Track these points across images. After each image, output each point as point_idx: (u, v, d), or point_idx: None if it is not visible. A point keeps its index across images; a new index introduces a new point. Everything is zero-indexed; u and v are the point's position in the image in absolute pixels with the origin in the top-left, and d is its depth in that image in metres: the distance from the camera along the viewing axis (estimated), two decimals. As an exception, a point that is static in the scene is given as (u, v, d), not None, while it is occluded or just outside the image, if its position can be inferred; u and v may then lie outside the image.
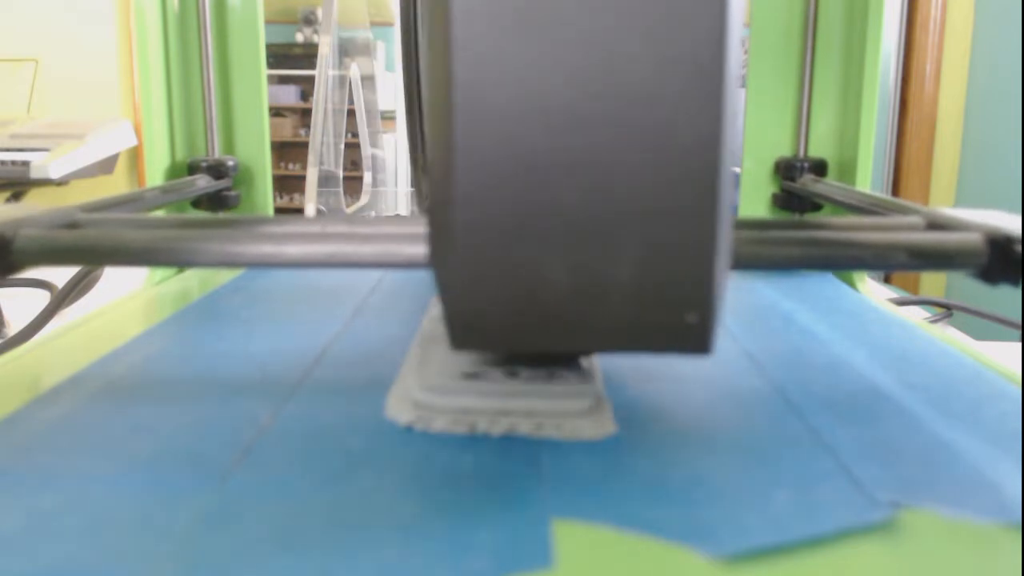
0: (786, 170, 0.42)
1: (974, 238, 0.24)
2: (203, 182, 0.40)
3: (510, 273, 0.16)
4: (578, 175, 0.15)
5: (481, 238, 0.15)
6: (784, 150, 0.43)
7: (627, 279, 0.16)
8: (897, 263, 0.24)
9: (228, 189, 0.42)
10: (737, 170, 0.42)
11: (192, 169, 0.42)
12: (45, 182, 1.61)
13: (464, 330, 0.16)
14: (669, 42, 0.14)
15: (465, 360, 0.20)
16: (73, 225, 0.25)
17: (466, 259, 0.16)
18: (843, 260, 0.24)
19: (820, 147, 0.42)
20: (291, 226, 0.23)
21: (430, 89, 0.16)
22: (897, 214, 0.28)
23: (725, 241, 0.16)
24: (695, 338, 0.16)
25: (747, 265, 0.23)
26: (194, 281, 0.37)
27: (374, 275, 0.36)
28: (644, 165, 0.15)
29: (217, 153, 0.43)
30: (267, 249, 0.22)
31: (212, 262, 0.23)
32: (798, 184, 0.41)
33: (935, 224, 0.26)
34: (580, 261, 0.16)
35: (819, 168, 0.41)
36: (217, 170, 0.41)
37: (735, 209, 0.44)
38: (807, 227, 0.25)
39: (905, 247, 0.24)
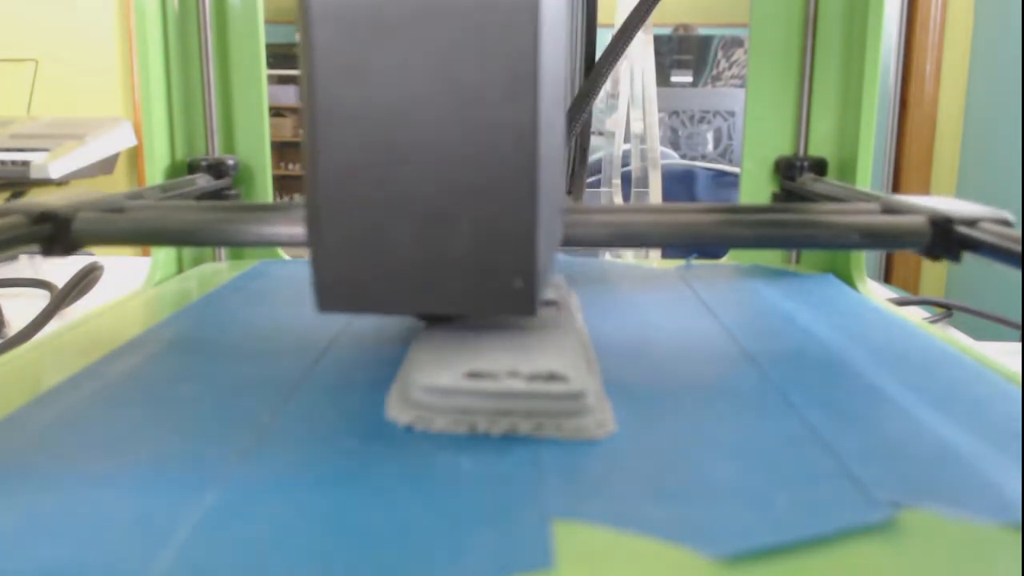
0: (786, 169, 0.42)
1: (919, 220, 0.28)
2: (203, 181, 0.40)
3: (365, 247, 0.19)
4: (420, 165, 0.18)
5: (340, 218, 0.19)
6: (784, 149, 0.43)
7: (463, 251, 0.19)
8: (850, 243, 0.28)
9: (228, 188, 0.42)
10: (736, 169, 0.42)
11: (192, 168, 0.42)
12: (45, 182, 1.61)
13: (328, 294, 0.19)
14: (492, 56, 0.18)
15: (466, 360, 0.20)
16: (119, 210, 0.28)
17: (328, 236, 0.19)
18: (801, 240, 0.28)
19: (820, 146, 0.42)
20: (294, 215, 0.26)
21: (301, 94, 0.19)
22: (861, 201, 0.31)
23: (548, 221, 0.20)
24: (521, 301, 0.19)
25: (715, 243, 0.27)
26: (194, 282, 0.37)
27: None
28: (474, 158, 0.18)
29: (217, 152, 0.43)
30: (299, 230, 0.26)
31: (248, 242, 0.27)
32: (797, 183, 0.41)
33: (889, 209, 0.29)
34: (423, 236, 0.19)
35: (819, 167, 0.41)
36: (217, 169, 0.41)
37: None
38: (772, 211, 0.29)
39: (858, 228, 0.28)
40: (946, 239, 0.27)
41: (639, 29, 0.35)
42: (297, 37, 0.19)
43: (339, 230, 0.19)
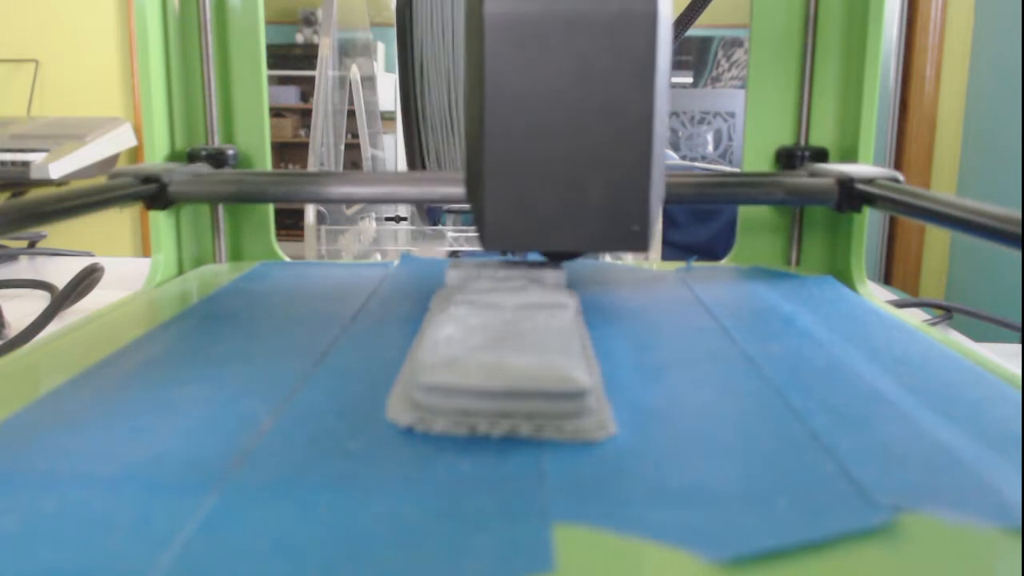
0: (787, 159, 0.42)
1: (829, 181, 0.36)
2: (203, 170, 0.40)
3: (521, 201, 0.25)
4: (563, 138, 0.24)
5: (502, 179, 0.25)
6: (785, 139, 0.43)
7: (595, 203, 0.25)
8: (774, 199, 0.37)
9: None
10: (735, 171, 0.42)
11: (192, 157, 0.42)
12: (45, 182, 1.61)
13: (492, 238, 0.25)
14: (621, 55, 0.24)
15: (466, 362, 0.20)
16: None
17: (492, 193, 0.25)
18: (736, 197, 0.38)
19: (821, 136, 0.42)
20: (361, 176, 0.37)
21: (468, 81, 0.26)
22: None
23: (657, 185, 0.25)
24: (639, 241, 0.25)
25: (673, 200, 0.36)
26: (194, 283, 0.37)
27: (375, 277, 0.36)
28: (605, 133, 0.24)
29: (217, 142, 0.43)
30: (348, 189, 0.36)
31: (308, 199, 0.38)
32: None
33: (814, 174, 0.38)
34: (565, 192, 0.25)
35: (820, 156, 0.42)
36: (217, 159, 0.41)
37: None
38: (720, 175, 0.38)
39: (783, 187, 0.37)
40: (849, 195, 0.35)
41: (683, 33, 0.38)
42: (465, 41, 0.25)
43: (501, 189, 0.25)
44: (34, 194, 0.28)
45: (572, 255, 0.31)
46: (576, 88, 0.24)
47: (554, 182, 0.25)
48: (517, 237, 0.25)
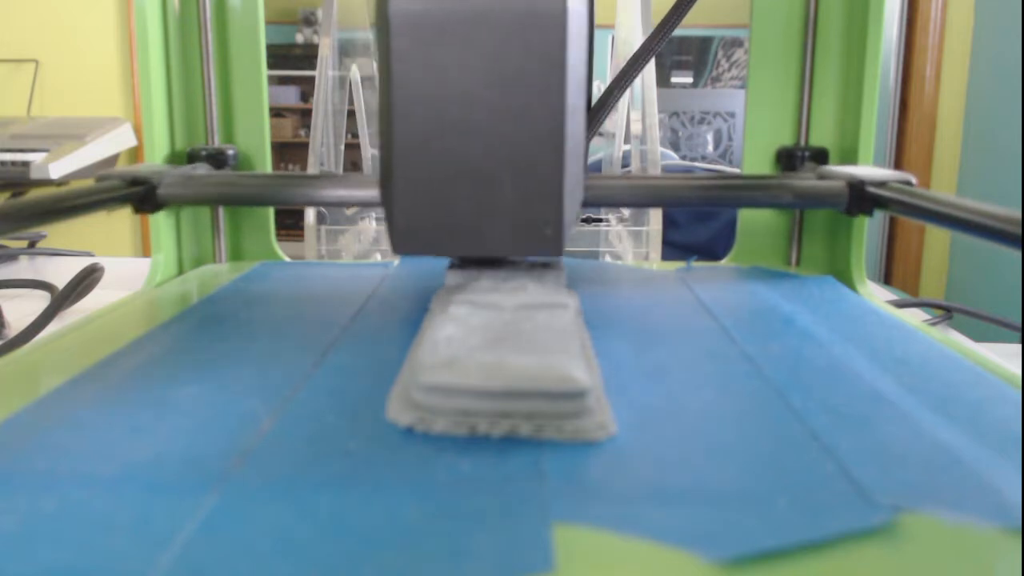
0: (787, 159, 0.42)
1: (839, 184, 0.35)
2: (203, 170, 0.40)
3: (430, 203, 0.24)
4: (473, 139, 0.24)
5: (410, 181, 0.24)
6: (785, 140, 0.43)
7: (507, 206, 0.24)
8: (783, 203, 0.36)
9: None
10: (735, 171, 0.42)
11: (192, 158, 0.42)
12: (45, 182, 1.61)
13: (401, 241, 0.25)
14: (530, 53, 0.23)
15: (466, 362, 0.20)
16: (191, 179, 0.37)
17: (401, 195, 0.24)
18: (743, 200, 0.36)
19: (821, 136, 0.42)
20: (355, 178, 0.36)
21: (379, 81, 0.24)
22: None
23: (572, 185, 0.25)
24: (551, 244, 0.25)
25: (676, 203, 0.35)
26: (194, 283, 0.37)
27: (375, 277, 0.36)
28: (516, 133, 0.24)
29: (217, 142, 0.43)
30: (341, 192, 0.36)
31: (301, 202, 0.37)
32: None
33: (822, 176, 0.37)
34: (475, 194, 0.24)
35: (820, 156, 0.42)
36: (217, 159, 0.41)
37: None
38: (727, 178, 0.37)
39: (791, 190, 0.35)
40: (860, 198, 0.34)
41: (672, 31, 0.37)
42: (374, 37, 0.25)
43: (409, 190, 0.24)
44: (34, 194, 0.28)
45: (490, 259, 0.30)
46: (485, 88, 0.23)
47: (464, 184, 0.24)
48: (427, 241, 0.25)
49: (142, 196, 0.35)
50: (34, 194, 0.28)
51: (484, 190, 0.24)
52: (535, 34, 0.23)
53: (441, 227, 0.24)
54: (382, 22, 0.24)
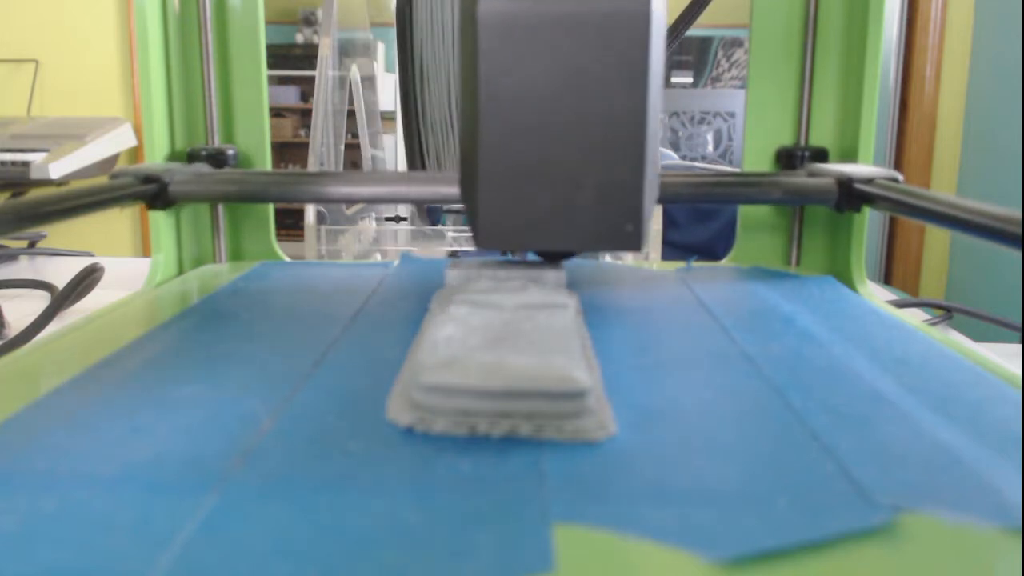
0: (787, 159, 0.42)
1: (828, 181, 0.36)
2: (203, 170, 0.40)
3: (515, 200, 0.25)
4: (557, 139, 0.24)
5: (496, 179, 0.25)
6: (785, 139, 0.43)
7: (589, 204, 0.25)
8: (772, 199, 0.36)
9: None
10: (735, 171, 0.42)
11: (192, 157, 0.42)
12: (45, 182, 1.61)
13: (485, 236, 0.25)
14: (613, 56, 0.24)
15: (466, 362, 0.20)
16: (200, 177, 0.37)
17: (486, 193, 0.25)
18: (734, 196, 0.37)
19: (821, 138, 0.42)
20: (361, 176, 0.36)
21: (462, 80, 0.26)
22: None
23: (650, 183, 0.25)
24: (632, 240, 0.25)
25: (671, 200, 0.36)
26: (194, 283, 0.37)
27: (375, 277, 0.36)
28: (599, 134, 0.24)
29: (217, 142, 0.43)
30: (349, 189, 0.36)
31: (310, 199, 0.37)
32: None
33: (812, 174, 0.38)
34: (559, 192, 0.25)
35: (820, 156, 0.42)
36: (217, 159, 0.41)
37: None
38: (719, 175, 0.37)
39: (781, 187, 0.36)
40: (848, 194, 0.35)
41: (681, 36, 0.37)
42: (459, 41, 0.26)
43: (494, 187, 0.25)
44: (34, 194, 0.28)
45: (568, 254, 0.31)
46: (570, 88, 0.24)
47: (548, 181, 0.25)
48: (510, 236, 0.25)
49: (155, 193, 0.35)
50: (35, 194, 0.28)
51: (567, 187, 0.25)
52: (619, 35, 0.24)
53: (525, 223, 0.25)
54: (469, 22, 0.24)
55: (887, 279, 1.97)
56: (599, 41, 0.24)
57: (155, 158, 0.40)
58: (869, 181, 0.34)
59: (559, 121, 0.24)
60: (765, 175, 0.38)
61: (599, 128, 0.24)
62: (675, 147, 2.67)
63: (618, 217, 0.25)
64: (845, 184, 0.35)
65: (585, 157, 0.24)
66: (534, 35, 0.24)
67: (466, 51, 0.25)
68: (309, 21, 3.30)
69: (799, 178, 0.37)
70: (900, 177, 0.34)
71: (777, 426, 0.19)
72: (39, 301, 0.54)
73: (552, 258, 0.30)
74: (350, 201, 0.35)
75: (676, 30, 0.36)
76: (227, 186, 0.37)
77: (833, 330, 0.28)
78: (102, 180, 0.34)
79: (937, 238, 1.85)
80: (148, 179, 0.35)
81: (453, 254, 0.68)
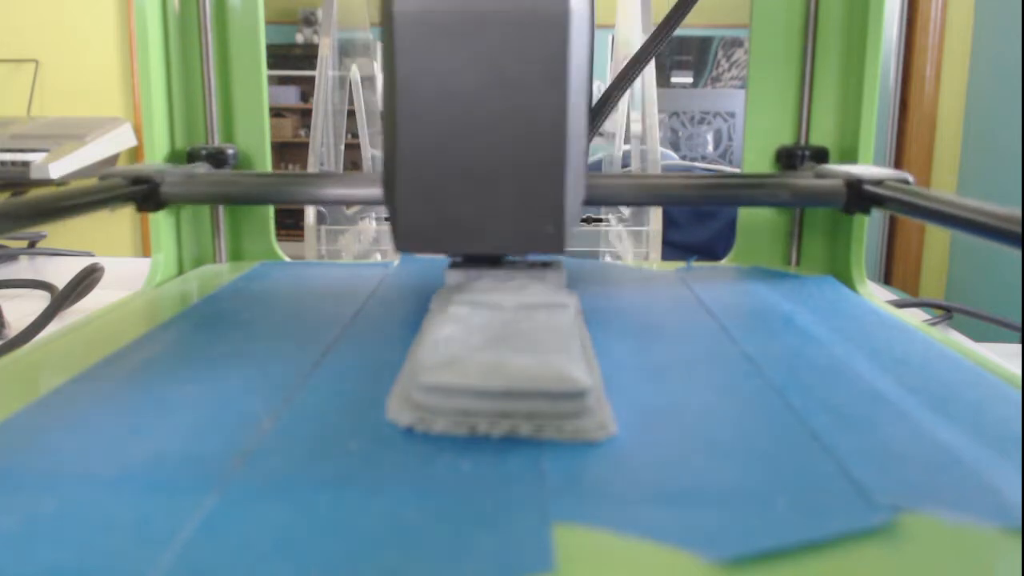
0: (787, 159, 0.42)
1: (837, 182, 0.35)
2: (202, 170, 0.40)
3: (433, 202, 0.24)
4: (476, 139, 0.24)
5: (414, 181, 0.24)
6: (785, 139, 0.43)
7: (509, 204, 0.24)
8: (780, 201, 0.36)
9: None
10: (735, 171, 0.42)
11: (192, 157, 0.42)
12: (45, 182, 1.61)
13: (404, 239, 0.25)
14: (532, 54, 0.23)
15: (466, 362, 0.20)
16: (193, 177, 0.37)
17: (405, 194, 0.24)
18: (741, 199, 0.37)
19: (821, 138, 0.42)
20: (358, 177, 0.37)
21: (384, 80, 0.25)
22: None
23: (574, 183, 0.25)
24: (553, 242, 0.25)
25: (676, 202, 0.36)
26: (194, 283, 0.37)
27: (374, 277, 0.36)
28: (518, 132, 0.24)
29: (217, 142, 0.43)
30: (343, 191, 0.36)
31: (304, 201, 0.38)
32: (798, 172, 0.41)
33: (820, 175, 0.37)
34: (478, 193, 0.24)
35: (820, 156, 0.42)
36: (217, 158, 0.41)
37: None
38: (725, 176, 0.37)
39: (789, 189, 0.35)
40: (858, 196, 0.34)
41: (673, 32, 0.37)
42: (380, 38, 0.24)
43: (413, 189, 0.24)
44: (34, 194, 0.28)
45: (494, 257, 0.29)
46: (489, 88, 0.24)
47: (467, 182, 0.24)
48: (430, 238, 0.25)
49: (145, 194, 0.35)
50: (34, 194, 0.28)
51: (487, 188, 0.24)
52: (538, 33, 0.23)
53: (444, 225, 0.24)
54: (386, 21, 0.24)
55: (887, 279, 1.97)
56: (518, 40, 0.23)
57: (155, 158, 0.40)
58: (879, 183, 0.34)
59: (478, 121, 0.24)
60: (772, 177, 0.38)
61: (519, 128, 0.24)
62: (675, 147, 2.67)
63: (539, 218, 0.24)
64: (855, 186, 0.34)
65: (505, 158, 0.24)
66: (452, 34, 0.23)
67: (386, 50, 0.24)
68: (309, 21, 3.30)
69: (807, 180, 0.36)
70: (910, 178, 0.34)
71: (777, 426, 0.19)
72: (39, 301, 0.54)
73: (477, 262, 0.29)
74: (345, 203, 0.35)
75: (663, 31, 0.36)
76: (220, 187, 0.37)
77: (833, 330, 0.28)
78: (90, 182, 0.33)
79: (937, 238, 1.85)
80: (138, 180, 0.35)
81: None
